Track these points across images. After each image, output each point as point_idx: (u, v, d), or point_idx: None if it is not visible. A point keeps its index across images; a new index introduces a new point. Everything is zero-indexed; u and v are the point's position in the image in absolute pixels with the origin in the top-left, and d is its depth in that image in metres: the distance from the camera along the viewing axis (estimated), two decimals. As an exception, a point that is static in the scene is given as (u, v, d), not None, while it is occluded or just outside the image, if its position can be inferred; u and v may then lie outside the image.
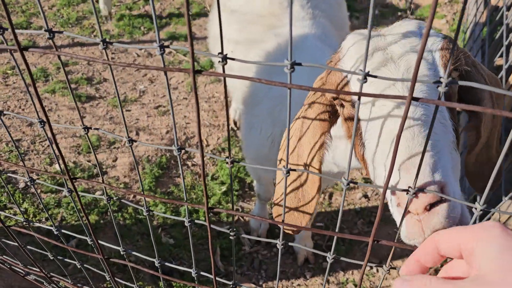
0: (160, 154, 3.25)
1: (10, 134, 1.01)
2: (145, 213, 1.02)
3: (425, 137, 0.82)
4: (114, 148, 3.29)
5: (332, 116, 1.17)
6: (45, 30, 0.75)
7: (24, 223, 1.28)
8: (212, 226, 0.94)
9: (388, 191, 0.89)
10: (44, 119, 0.86)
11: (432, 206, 0.75)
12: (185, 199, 0.95)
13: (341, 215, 0.83)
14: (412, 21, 1.07)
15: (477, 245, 0.59)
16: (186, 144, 3.38)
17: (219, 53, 0.69)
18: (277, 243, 0.94)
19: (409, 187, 0.74)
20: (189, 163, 3.25)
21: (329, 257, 0.91)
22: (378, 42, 1.03)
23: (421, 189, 0.75)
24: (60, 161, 0.94)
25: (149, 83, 3.92)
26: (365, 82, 0.64)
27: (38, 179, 1.07)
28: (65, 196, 3.00)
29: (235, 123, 3.52)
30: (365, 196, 3.02)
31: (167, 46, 0.73)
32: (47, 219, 2.86)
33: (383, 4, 4.75)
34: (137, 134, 3.43)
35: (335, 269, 2.63)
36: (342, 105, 1.13)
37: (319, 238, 2.80)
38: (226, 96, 0.74)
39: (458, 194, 0.83)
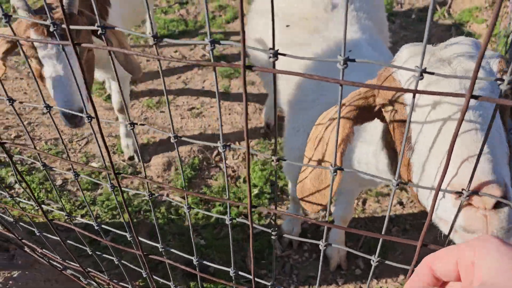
0: (192, 156, 3.27)
1: (57, 130, 1.04)
2: (186, 210, 1.02)
3: (486, 137, 0.84)
4: (147, 148, 3.34)
5: (360, 118, 1.20)
6: (98, 26, 0.77)
7: (66, 218, 1.31)
8: (254, 225, 0.93)
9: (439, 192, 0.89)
10: (92, 114, 0.88)
11: (496, 206, 0.79)
12: (227, 196, 0.94)
13: (388, 218, 0.81)
14: (468, 38, 1.08)
15: (477, 257, 0.59)
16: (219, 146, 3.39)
17: (270, 49, 0.68)
18: (319, 244, 0.92)
19: (463, 189, 0.72)
20: (221, 165, 3.26)
21: (373, 260, 0.89)
22: (435, 53, 1.05)
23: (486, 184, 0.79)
24: (105, 154, 0.96)
25: (183, 85, 3.97)
26: (421, 78, 0.63)
27: (78, 175, 1.09)
28: (100, 194, 3.07)
29: (267, 126, 3.52)
30: (400, 203, 2.96)
31: (218, 42, 0.74)
32: (82, 216, 2.93)
33: (420, 8, 4.66)
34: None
35: (367, 277, 2.58)
36: (393, 110, 1.13)
37: (352, 244, 2.76)
38: (275, 93, 0.73)
39: None
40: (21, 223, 1.58)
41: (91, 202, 2.97)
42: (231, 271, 1.11)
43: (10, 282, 2.22)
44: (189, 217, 1.05)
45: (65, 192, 3.07)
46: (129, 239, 1.23)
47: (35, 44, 1.89)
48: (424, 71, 0.63)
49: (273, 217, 0.96)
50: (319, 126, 1.28)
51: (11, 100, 1.00)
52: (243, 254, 2.69)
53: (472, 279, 0.59)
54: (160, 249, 1.18)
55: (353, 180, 1.93)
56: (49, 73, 1.92)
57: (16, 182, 3.12)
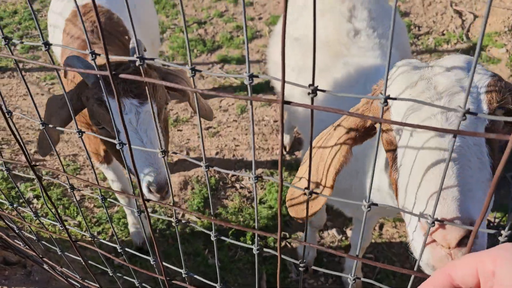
0: (209, 175, 3.28)
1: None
2: (213, 238, 1.02)
3: (459, 170, 0.87)
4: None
5: (360, 137, 1.22)
6: (137, 57, 0.78)
7: (90, 239, 1.31)
8: (282, 256, 0.92)
9: (415, 219, 0.92)
10: (125, 141, 0.89)
11: (459, 244, 0.80)
12: (255, 226, 0.94)
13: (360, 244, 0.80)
14: (462, 56, 1.08)
15: (498, 265, 0.58)
16: (236, 166, 3.40)
17: (309, 85, 0.69)
18: (348, 277, 0.91)
19: (437, 218, 0.75)
20: (237, 185, 3.26)
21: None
22: (424, 72, 1.06)
23: (451, 221, 0.80)
24: (135, 179, 0.96)
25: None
26: (385, 105, 0.65)
27: (106, 199, 1.10)
28: (116, 212, 3.08)
29: (284, 147, 3.51)
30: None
31: (257, 76, 0.74)
32: (98, 233, 2.93)
33: (439, 32, 4.66)
34: (188, 153, 3.49)
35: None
36: (382, 130, 1.15)
37: (368, 270, 2.71)
38: (312, 130, 0.73)
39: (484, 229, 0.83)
40: (43, 242, 1.59)
41: (107, 219, 2.98)
42: (255, 300, 1.10)
43: (27, 298, 2.22)
44: (216, 245, 1.04)
45: (82, 209, 3.09)
46: (152, 263, 1.22)
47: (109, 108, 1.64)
48: (388, 97, 0.64)
49: (304, 247, 0.95)
50: (314, 148, 1.32)
51: (9, 113, 1.02)
52: (259, 277, 2.66)
53: (493, 287, 0.58)
54: (184, 275, 1.18)
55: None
56: (132, 140, 1.60)
57: (34, 198, 3.15)
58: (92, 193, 3.15)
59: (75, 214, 3.03)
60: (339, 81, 1.90)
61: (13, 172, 1.26)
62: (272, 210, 3.00)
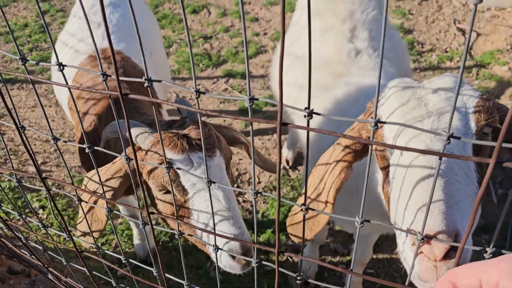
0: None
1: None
2: (212, 252, 1.05)
3: (446, 184, 0.92)
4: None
5: (357, 155, 1.27)
6: (145, 79, 0.83)
7: (96, 250, 1.35)
8: (280, 269, 0.96)
9: (404, 233, 0.95)
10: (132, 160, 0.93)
11: (447, 253, 0.83)
12: (255, 240, 0.98)
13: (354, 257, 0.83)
14: (452, 76, 1.15)
15: (502, 277, 0.60)
16: (238, 180, 3.43)
17: (305, 108, 0.73)
18: (329, 287, 0.95)
19: (426, 234, 0.80)
20: (240, 199, 3.29)
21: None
22: (416, 91, 1.11)
23: (437, 233, 0.85)
24: (140, 195, 1.01)
25: (205, 118, 4.05)
26: (376, 128, 0.70)
27: (112, 211, 1.15)
28: (120, 224, 3.12)
29: (287, 162, 3.55)
30: (419, 244, 2.93)
31: (256, 99, 0.79)
32: (102, 244, 2.97)
33: (442, 49, 4.72)
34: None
35: (385, 319, 2.54)
36: (375, 149, 1.22)
37: (369, 285, 2.73)
38: (307, 151, 0.78)
39: (469, 243, 0.86)
40: (48, 252, 1.63)
41: (111, 230, 3.02)
42: (254, 313, 1.13)
43: (31, 308, 2.25)
44: (217, 257, 1.08)
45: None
46: (155, 274, 1.26)
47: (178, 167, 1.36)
48: (378, 121, 0.68)
49: (301, 261, 0.98)
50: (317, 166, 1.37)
51: (23, 128, 1.07)
52: (269, 279, 2.68)
53: None
54: (186, 287, 1.21)
55: (369, 225, 1.95)
56: (215, 205, 1.36)
57: (40, 208, 3.20)
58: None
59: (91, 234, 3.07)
60: (339, 100, 1.95)
61: (21, 183, 1.31)
62: (274, 224, 3.03)
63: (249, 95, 0.76)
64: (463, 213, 0.88)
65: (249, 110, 0.79)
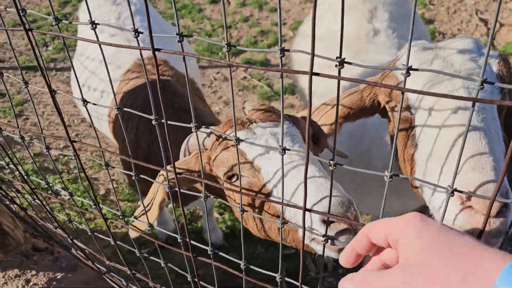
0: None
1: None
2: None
3: (489, 141, 0.92)
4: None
5: (352, 116, 1.30)
6: (177, 34, 0.84)
7: (122, 219, 1.38)
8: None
9: (440, 190, 0.96)
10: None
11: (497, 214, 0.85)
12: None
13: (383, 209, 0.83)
14: (468, 38, 1.14)
15: (400, 235, 0.67)
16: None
17: (336, 57, 0.74)
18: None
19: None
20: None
21: None
22: (437, 52, 1.10)
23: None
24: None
25: (224, 105, 4.08)
26: (408, 75, 0.69)
27: (117, 187, 1.16)
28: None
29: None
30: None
31: (288, 50, 0.80)
32: (122, 226, 3.02)
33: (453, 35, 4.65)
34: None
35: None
36: (393, 109, 1.22)
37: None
38: (337, 104, 0.78)
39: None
40: (74, 222, 1.67)
41: (131, 212, 3.07)
42: (278, 277, 1.14)
43: (54, 283, 2.31)
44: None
45: (107, 202, 3.18)
46: (179, 240, 1.28)
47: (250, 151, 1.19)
48: (410, 68, 0.68)
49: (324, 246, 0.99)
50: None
51: (54, 91, 1.10)
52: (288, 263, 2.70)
53: (399, 253, 0.67)
54: (209, 252, 1.23)
55: (388, 205, 1.96)
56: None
57: (62, 189, 3.26)
58: (117, 187, 3.25)
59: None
60: (356, 76, 1.96)
61: (50, 149, 1.34)
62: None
63: (280, 46, 0.77)
64: (502, 169, 0.88)
65: (280, 61, 0.80)
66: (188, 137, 1.42)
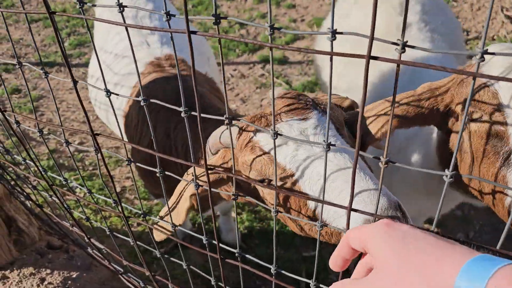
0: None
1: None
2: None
3: None
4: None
5: (410, 121, 1.17)
6: (213, 15, 0.76)
7: (142, 217, 1.31)
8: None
9: None
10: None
11: None
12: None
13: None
14: None
15: (369, 242, 0.69)
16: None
17: (398, 40, 0.65)
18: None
19: None
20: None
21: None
22: None
23: None
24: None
25: (241, 103, 4.00)
26: (482, 60, 0.59)
27: (132, 185, 1.08)
28: (156, 204, 3.10)
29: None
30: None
31: (341, 33, 0.71)
32: (138, 224, 2.96)
33: (488, 37, 4.51)
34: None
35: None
36: (479, 118, 1.09)
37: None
38: (395, 87, 0.69)
39: None
40: (91, 221, 1.60)
41: (147, 211, 3.01)
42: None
43: (69, 282, 2.25)
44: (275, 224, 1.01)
45: (123, 200, 3.13)
46: (204, 242, 1.20)
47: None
48: (485, 52, 0.60)
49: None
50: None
51: (76, 82, 1.02)
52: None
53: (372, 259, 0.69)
54: (236, 255, 1.15)
55: (417, 207, 1.87)
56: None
57: (78, 187, 3.21)
58: (132, 185, 3.19)
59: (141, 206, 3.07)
60: (385, 73, 1.88)
61: (70, 144, 1.27)
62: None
63: (332, 28, 0.69)
64: None
65: (331, 44, 0.72)
66: (213, 134, 1.32)
